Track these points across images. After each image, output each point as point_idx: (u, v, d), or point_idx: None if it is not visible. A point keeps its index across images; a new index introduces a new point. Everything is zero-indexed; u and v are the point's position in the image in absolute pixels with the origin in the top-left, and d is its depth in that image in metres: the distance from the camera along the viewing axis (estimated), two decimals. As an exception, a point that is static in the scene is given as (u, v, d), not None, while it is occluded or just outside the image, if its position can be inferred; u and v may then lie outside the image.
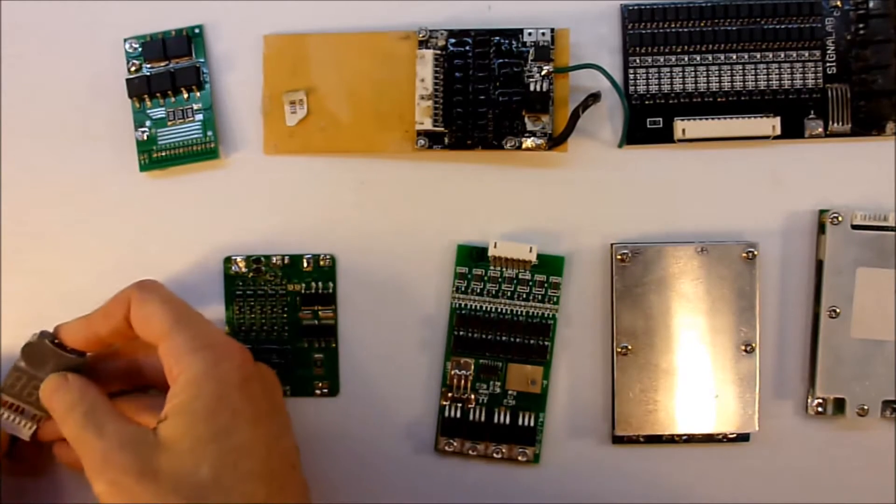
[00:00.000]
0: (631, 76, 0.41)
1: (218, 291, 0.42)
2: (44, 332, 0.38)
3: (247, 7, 0.41)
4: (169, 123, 0.41)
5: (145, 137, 0.41)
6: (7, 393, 0.38)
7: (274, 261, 0.42)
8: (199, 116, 0.41)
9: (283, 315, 0.42)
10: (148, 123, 0.41)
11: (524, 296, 0.41)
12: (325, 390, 0.42)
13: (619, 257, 0.40)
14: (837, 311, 0.41)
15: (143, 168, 0.41)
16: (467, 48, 0.40)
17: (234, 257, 0.42)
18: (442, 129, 0.40)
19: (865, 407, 0.41)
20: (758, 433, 0.41)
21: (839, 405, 0.41)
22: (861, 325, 0.41)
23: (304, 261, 0.42)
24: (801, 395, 0.42)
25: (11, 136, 0.42)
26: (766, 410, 0.41)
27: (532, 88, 0.40)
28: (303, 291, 0.42)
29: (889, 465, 0.42)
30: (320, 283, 0.42)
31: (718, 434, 0.41)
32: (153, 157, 0.41)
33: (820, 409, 0.41)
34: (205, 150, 0.41)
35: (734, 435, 0.41)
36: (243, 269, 0.42)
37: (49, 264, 0.42)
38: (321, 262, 0.42)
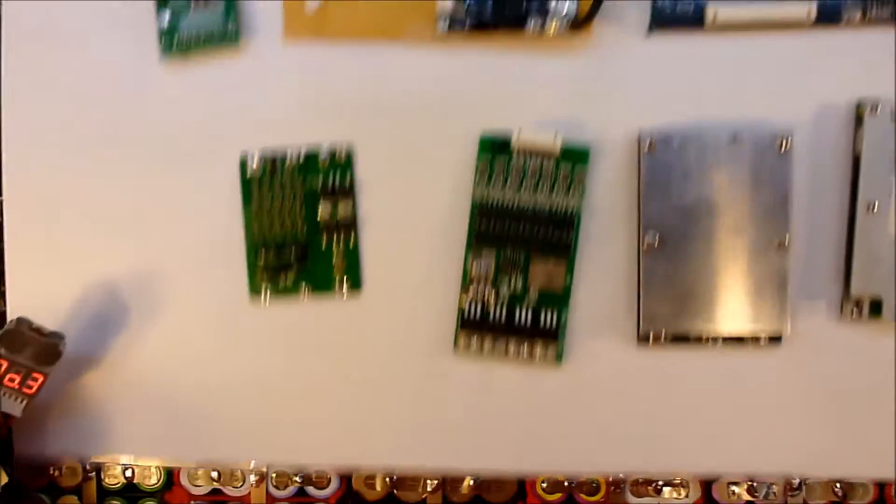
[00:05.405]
0: (661, -38, 0.40)
1: (234, 190, 0.41)
2: (21, 318, 0.39)
3: None
4: (191, 8, 0.41)
5: (167, 24, 0.41)
6: None
7: (290, 155, 0.41)
8: (221, 2, 0.41)
9: (301, 212, 0.41)
10: (170, 9, 0.41)
11: (548, 187, 0.40)
12: (346, 287, 0.41)
13: (646, 146, 0.39)
14: (875, 206, 0.39)
15: (164, 53, 0.41)
16: (492, -69, 0.39)
17: (249, 153, 0.41)
18: (463, 11, 0.39)
19: (904, 307, 0.39)
20: (790, 336, 0.40)
21: (875, 307, 0.40)
22: (900, 220, 0.39)
23: (321, 154, 0.41)
24: (835, 296, 0.40)
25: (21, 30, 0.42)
26: (799, 312, 0.40)
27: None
28: (320, 186, 0.41)
29: (928, 369, 0.40)
30: (338, 176, 0.41)
31: (748, 335, 0.40)
32: (175, 43, 0.41)
33: (855, 310, 0.40)
34: (225, 36, 0.41)
35: (765, 337, 0.40)
36: (259, 167, 0.41)
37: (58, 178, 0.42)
38: (338, 155, 0.41)
